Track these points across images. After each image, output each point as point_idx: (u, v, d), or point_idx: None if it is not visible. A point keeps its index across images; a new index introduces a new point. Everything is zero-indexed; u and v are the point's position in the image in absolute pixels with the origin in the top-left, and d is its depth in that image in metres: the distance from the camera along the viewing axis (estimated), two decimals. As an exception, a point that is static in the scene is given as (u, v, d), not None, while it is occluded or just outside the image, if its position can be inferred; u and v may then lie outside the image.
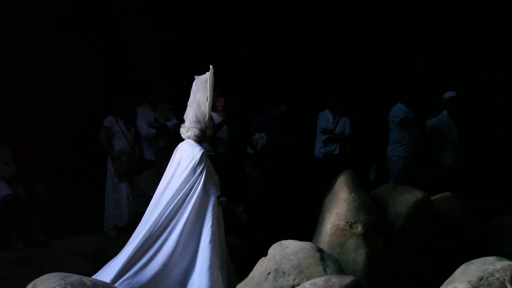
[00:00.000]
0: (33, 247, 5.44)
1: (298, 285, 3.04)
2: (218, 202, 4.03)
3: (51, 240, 5.65)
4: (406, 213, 4.29)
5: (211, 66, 4.07)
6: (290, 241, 3.46)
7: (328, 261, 3.31)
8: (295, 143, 6.38)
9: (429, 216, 4.47)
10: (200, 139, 4.16)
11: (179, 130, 4.30)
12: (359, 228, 3.99)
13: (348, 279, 2.83)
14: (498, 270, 2.71)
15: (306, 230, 4.40)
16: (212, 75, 4.07)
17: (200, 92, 4.11)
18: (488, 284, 2.66)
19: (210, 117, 4.20)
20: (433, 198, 4.80)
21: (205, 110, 4.11)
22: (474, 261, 2.93)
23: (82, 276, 3.11)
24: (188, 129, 4.14)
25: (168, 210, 3.92)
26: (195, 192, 3.96)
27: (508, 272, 2.68)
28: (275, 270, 3.27)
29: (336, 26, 8.27)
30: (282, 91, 7.33)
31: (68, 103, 6.71)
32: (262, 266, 3.38)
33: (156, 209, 3.97)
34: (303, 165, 6.49)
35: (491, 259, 2.86)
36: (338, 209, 4.11)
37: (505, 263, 2.77)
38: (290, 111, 6.51)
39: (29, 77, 6.26)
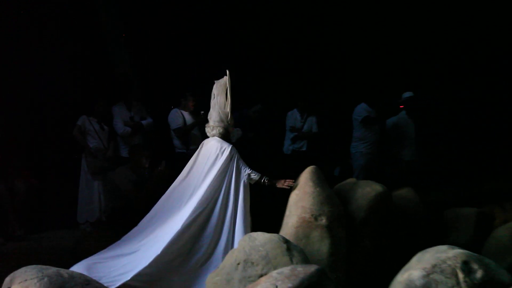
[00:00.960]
0: (12, 241, 5.35)
1: (265, 274, 3.04)
2: (262, 182, 4.38)
3: (29, 235, 5.58)
4: (367, 206, 4.33)
5: (227, 71, 4.32)
6: (259, 233, 3.47)
7: (294, 251, 3.33)
8: (269, 141, 6.43)
9: (389, 209, 4.51)
10: (224, 136, 4.44)
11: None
12: (323, 221, 4.00)
13: (312, 267, 2.83)
14: (450, 258, 2.78)
15: (275, 223, 4.38)
16: (229, 78, 4.34)
17: (220, 95, 4.39)
18: (440, 271, 2.73)
19: (232, 116, 4.46)
20: (393, 192, 4.86)
21: (227, 110, 4.40)
22: (429, 249, 2.99)
23: (59, 269, 3.08)
24: (213, 128, 4.43)
25: (207, 201, 4.18)
26: (230, 182, 4.27)
27: (459, 259, 2.75)
28: (244, 260, 3.27)
29: (306, 28, 8.35)
30: (258, 91, 7.35)
31: (47, 101, 6.69)
32: (232, 257, 3.38)
33: (186, 202, 4.20)
34: (272, 161, 6.50)
35: (444, 247, 2.92)
36: (304, 203, 4.12)
37: (457, 251, 2.83)
38: (265, 111, 6.54)
39: (6, 75, 6.15)
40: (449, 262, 2.75)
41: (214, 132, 4.44)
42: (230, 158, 4.31)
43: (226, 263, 3.42)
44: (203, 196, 4.18)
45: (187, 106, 6.33)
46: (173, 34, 7.67)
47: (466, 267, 2.72)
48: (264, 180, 4.43)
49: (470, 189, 6.78)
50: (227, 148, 4.32)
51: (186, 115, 6.36)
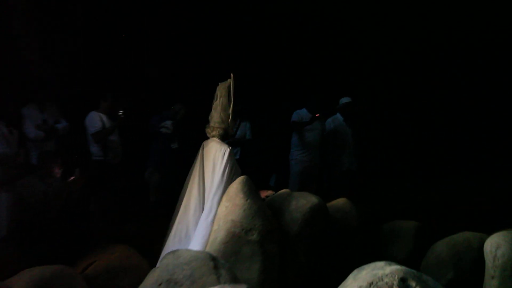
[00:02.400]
0: None
1: (190, 295, 2.94)
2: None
3: None
4: (301, 219, 4.30)
5: (231, 74, 4.62)
6: (184, 250, 3.37)
7: (222, 269, 3.21)
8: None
9: (324, 222, 4.50)
10: (223, 137, 4.71)
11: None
12: (254, 235, 3.95)
13: (241, 287, 2.75)
14: (387, 275, 2.75)
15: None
16: (233, 81, 4.65)
17: (224, 97, 4.68)
18: (377, 289, 2.72)
19: (232, 118, 4.73)
20: (328, 204, 4.86)
21: (229, 112, 4.67)
22: (365, 266, 2.96)
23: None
24: (213, 129, 4.68)
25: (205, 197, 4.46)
26: (222, 182, 4.41)
27: (396, 276, 2.74)
28: (167, 280, 3.13)
29: (235, 32, 8.39)
30: (177, 92, 7.25)
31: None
32: (154, 276, 3.22)
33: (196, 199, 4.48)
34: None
35: (380, 264, 2.90)
36: (234, 216, 4.05)
37: (394, 267, 2.82)
38: (186, 112, 6.46)
39: None
40: (386, 280, 2.73)
41: (214, 133, 4.68)
42: (229, 160, 4.51)
43: (146, 283, 3.25)
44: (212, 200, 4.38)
45: (107, 108, 6.14)
46: (95, 29, 7.41)
47: (403, 284, 2.71)
48: None
49: (409, 201, 6.94)
50: (227, 150, 4.53)
51: (106, 118, 6.16)
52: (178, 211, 4.52)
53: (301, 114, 7.09)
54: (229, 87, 4.67)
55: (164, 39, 8.01)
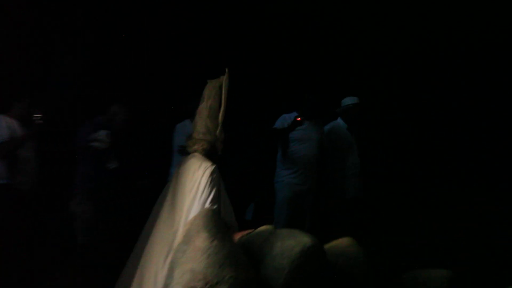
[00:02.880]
0: None
1: None
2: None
3: None
4: (289, 268, 3.97)
5: (226, 69, 4.41)
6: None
7: None
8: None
9: (321, 271, 4.20)
10: (208, 154, 4.49)
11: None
12: (223, 291, 3.60)
13: None
14: None
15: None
16: (227, 79, 4.43)
17: (213, 99, 4.46)
18: None
19: (222, 129, 4.49)
20: (327, 246, 4.58)
21: (218, 119, 4.45)
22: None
23: None
24: (195, 141, 4.50)
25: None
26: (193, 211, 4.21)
27: None
28: None
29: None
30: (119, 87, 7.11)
31: None
32: None
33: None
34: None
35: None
36: (194, 264, 3.71)
37: None
38: (129, 116, 6.23)
39: None
40: None
41: (196, 147, 4.51)
42: (211, 183, 4.29)
43: None
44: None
45: (21, 112, 5.94)
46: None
47: None
48: None
49: (437, 237, 7.04)
50: (208, 169, 4.31)
51: (17, 125, 5.96)
52: (138, 254, 4.31)
53: (290, 119, 6.80)
54: (221, 86, 4.46)
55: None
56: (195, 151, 4.50)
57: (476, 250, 6.53)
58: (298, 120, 6.66)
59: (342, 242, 4.78)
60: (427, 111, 9.55)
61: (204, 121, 4.48)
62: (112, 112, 6.48)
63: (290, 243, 4.07)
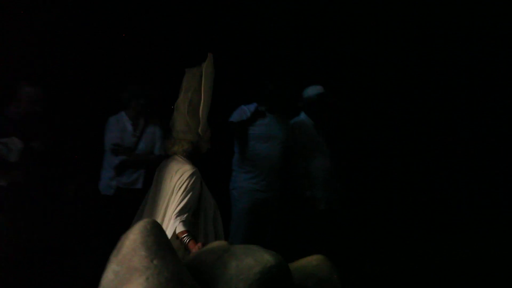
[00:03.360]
0: None
1: None
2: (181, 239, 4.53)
3: None
4: None
5: (209, 54, 4.59)
6: None
7: None
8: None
9: None
10: (190, 155, 4.74)
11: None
12: (165, 323, 3.59)
13: None
14: None
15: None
16: (211, 66, 4.58)
17: (193, 91, 4.63)
18: None
19: (207, 126, 4.68)
20: (293, 265, 4.64)
21: (200, 115, 4.59)
22: None
23: None
24: (174, 142, 4.74)
25: None
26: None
27: None
28: None
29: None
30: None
31: None
32: None
33: None
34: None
35: None
36: None
37: None
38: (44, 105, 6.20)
39: None
40: None
41: (176, 148, 4.74)
42: (192, 188, 4.50)
43: None
44: None
45: None
46: None
47: None
48: (185, 239, 4.57)
49: (422, 254, 7.35)
50: (186, 172, 4.53)
51: None
52: None
53: (249, 111, 6.79)
54: (201, 76, 4.59)
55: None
56: (175, 153, 4.68)
57: (466, 275, 6.75)
58: (260, 111, 6.64)
59: (311, 261, 4.79)
60: (412, 109, 9.84)
61: (183, 117, 4.60)
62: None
63: (248, 263, 4.08)
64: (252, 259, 4.11)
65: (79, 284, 5.64)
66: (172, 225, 4.56)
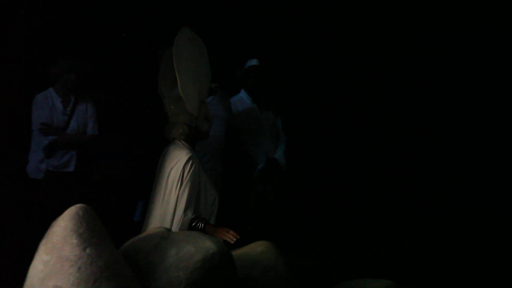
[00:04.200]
0: None
1: None
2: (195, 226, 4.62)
3: None
4: (186, 282, 3.90)
5: (183, 28, 4.65)
6: None
7: None
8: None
9: (228, 283, 4.17)
10: (189, 138, 4.77)
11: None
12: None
13: None
14: None
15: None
16: (177, 40, 4.55)
17: (170, 70, 4.59)
18: None
19: (197, 103, 4.66)
20: (237, 252, 4.61)
21: (181, 94, 4.57)
22: None
23: None
24: (172, 126, 4.76)
25: None
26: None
27: None
28: None
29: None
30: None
31: None
32: None
33: None
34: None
35: None
36: (59, 279, 3.55)
37: None
38: None
39: None
40: None
41: (173, 132, 4.77)
42: (189, 176, 4.54)
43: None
44: None
45: None
46: None
47: None
48: (199, 223, 4.66)
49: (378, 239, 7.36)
50: (182, 159, 4.57)
51: None
52: None
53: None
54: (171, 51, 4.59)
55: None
56: (174, 138, 4.73)
57: (427, 262, 6.92)
58: (210, 89, 6.56)
59: (256, 248, 4.74)
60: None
61: (173, 100, 4.67)
62: None
63: (189, 250, 4.00)
64: (193, 246, 4.03)
65: (3, 275, 5.50)
66: (181, 225, 4.61)
